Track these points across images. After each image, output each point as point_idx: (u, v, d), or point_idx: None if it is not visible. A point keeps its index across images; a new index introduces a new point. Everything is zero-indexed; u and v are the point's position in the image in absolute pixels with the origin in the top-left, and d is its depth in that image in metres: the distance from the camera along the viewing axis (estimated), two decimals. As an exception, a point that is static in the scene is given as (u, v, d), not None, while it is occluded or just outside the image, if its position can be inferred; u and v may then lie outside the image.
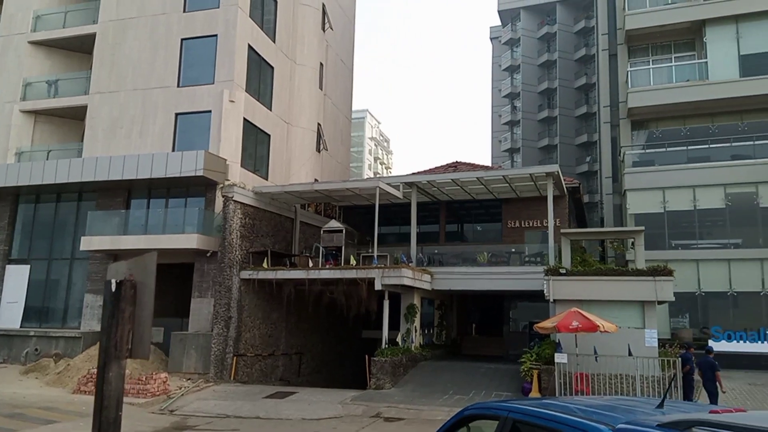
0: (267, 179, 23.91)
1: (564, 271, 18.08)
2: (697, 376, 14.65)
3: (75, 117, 25.48)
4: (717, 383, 13.65)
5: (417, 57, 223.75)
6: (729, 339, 20.22)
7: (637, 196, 24.62)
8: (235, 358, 19.96)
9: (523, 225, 25.22)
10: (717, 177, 23.43)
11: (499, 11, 55.41)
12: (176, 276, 22.61)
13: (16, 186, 23.00)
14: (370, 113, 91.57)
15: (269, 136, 24.37)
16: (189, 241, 20.32)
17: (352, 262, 20.63)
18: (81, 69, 26.08)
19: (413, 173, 26.09)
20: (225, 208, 20.67)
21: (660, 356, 15.86)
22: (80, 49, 26.12)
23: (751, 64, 24.45)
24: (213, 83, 22.10)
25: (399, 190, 22.86)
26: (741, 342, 20.23)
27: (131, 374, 17.01)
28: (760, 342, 20.34)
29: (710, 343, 20.40)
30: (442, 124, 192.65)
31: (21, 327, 22.72)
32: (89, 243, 21.39)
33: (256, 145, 23.68)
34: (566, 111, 51.00)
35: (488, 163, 54.54)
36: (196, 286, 21.11)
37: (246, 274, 20.78)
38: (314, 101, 27.15)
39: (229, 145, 21.62)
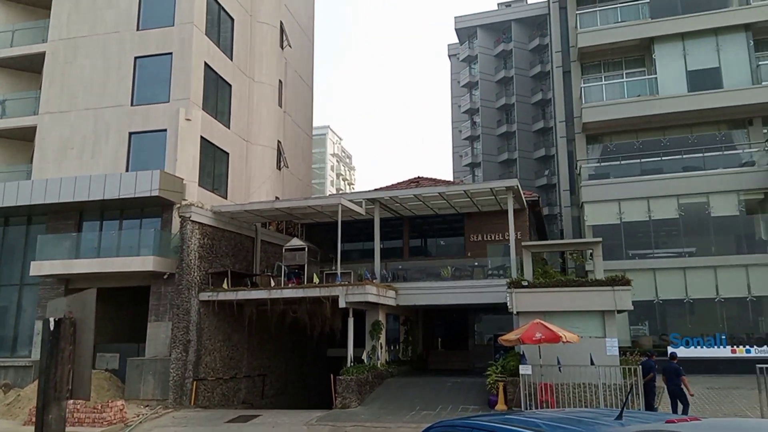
0: (226, 198, 23.50)
1: (526, 284, 18.24)
2: (660, 383, 14.89)
3: (24, 138, 24.62)
4: (684, 388, 13.86)
5: (377, 74, 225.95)
6: (687, 345, 20.72)
7: (594, 208, 25.16)
8: (195, 382, 19.35)
9: (485, 238, 25.43)
10: (670, 188, 24.16)
11: (456, 29, 56.43)
12: (132, 300, 21.93)
13: (-40, 210, 21.98)
14: (331, 129, 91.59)
15: (228, 154, 24.02)
16: (145, 263, 19.73)
17: (316, 280, 20.37)
18: (30, 89, 25.27)
19: (376, 189, 26.07)
20: (182, 229, 20.16)
21: (621, 364, 16.09)
22: (29, 68, 25.34)
23: (698, 80, 25.44)
24: (168, 101, 21.69)
25: (362, 207, 22.77)
26: (699, 348, 20.76)
27: (86, 402, 16.29)
28: (716, 347, 20.91)
29: (670, 349, 20.91)
30: (404, 140, 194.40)
31: (-34, 358, 21.55)
32: (39, 268, 20.54)
33: (214, 163, 23.28)
34: (524, 126, 52.08)
35: (450, 177, 55.11)
36: (153, 309, 20.47)
37: (205, 296, 20.26)
38: (274, 118, 26.93)
39: (185, 164, 21.18)
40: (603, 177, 26.08)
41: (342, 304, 19.00)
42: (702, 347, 20.83)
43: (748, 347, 20.73)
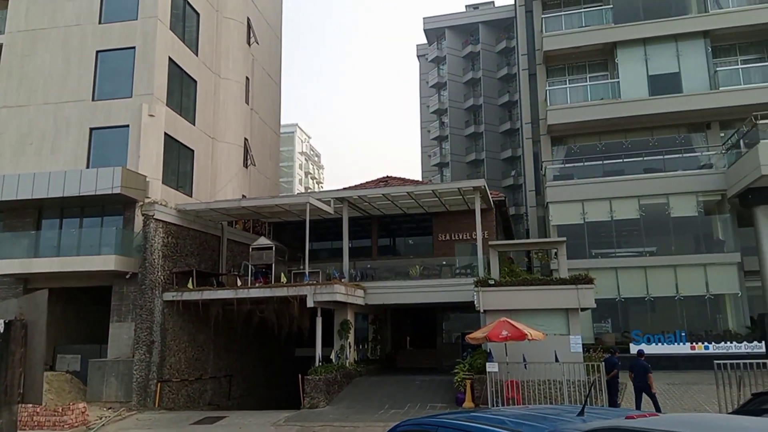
0: (191, 196, 23.11)
1: (493, 282, 18.46)
2: (625, 379, 15.22)
3: (-22, 133, 23.70)
4: (649, 385, 14.16)
5: (347, 73, 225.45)
6: (648, 342, 21.26)
7: (559, 208, 25.62)
8: (159, 384, 18.99)
9: (453, 238, 25.64)
10: (631, 189, 24.76)
11: (425, 30, 56.70)
12: (93, 300, 21.41)
13: None
14: (299, 128, 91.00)
15: (193, 151, 23.62)
16: (106, 262, 19.26)
17: (283, 279, 20.21)
18: (-15, 81, 24.35)
19: (344, 188, 26.00)
20: (145, 227, 19.75)
21: (585, 361, 16.42)
22: (-16, 60, 24.40)
23: (659, 84, 26.14)
24: (131, 97, 21.22)
25: (330, 206, 22.69)
26: (659, 344, 21.32)
27: (46, 405, 15.87)
28: (676, 344, 21.51)
29: (637, 346, 21.43)
30: (374, 139, 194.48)
31: None
32: (-5, 267, 19.83)
33: (179, 160, 22.87)
34: (491, 127, 52.70)
35: (419, 177, 55.37)
36: (115, 310, 20.00)
37: (169, 296, 19.90)
38: (241, 116, 26.61)
39: (149, 161, 20.75)
40: (567, 178, 26.57)
41: (310, 304, 18.90)
42: (662, 344, 21.40)
43: (706, 344, 21.36)
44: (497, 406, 15.32)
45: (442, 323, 28.40)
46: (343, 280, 20.68)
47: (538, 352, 16.29)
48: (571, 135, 27.69)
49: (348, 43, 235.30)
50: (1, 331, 3.36)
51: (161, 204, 20.34)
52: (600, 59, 28.20)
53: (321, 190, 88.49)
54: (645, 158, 26.11)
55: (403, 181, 27.42)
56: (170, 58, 22.38)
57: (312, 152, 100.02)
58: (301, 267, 20.76)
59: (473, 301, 18.51)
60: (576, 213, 25.23)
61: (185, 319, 20.59)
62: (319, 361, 19.17)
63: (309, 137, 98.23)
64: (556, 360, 15.94)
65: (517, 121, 45.44)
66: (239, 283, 20.41)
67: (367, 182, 28.63)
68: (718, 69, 25.84)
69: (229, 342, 22.94)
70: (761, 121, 21.54)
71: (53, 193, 19.67)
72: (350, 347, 20.95)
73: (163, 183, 21.25)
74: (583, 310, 18.23)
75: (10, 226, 21.11)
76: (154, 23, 21.65)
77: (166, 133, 21.66)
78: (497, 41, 53.54)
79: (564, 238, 20.39)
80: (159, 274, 19.89)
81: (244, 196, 25.58)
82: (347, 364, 20.32)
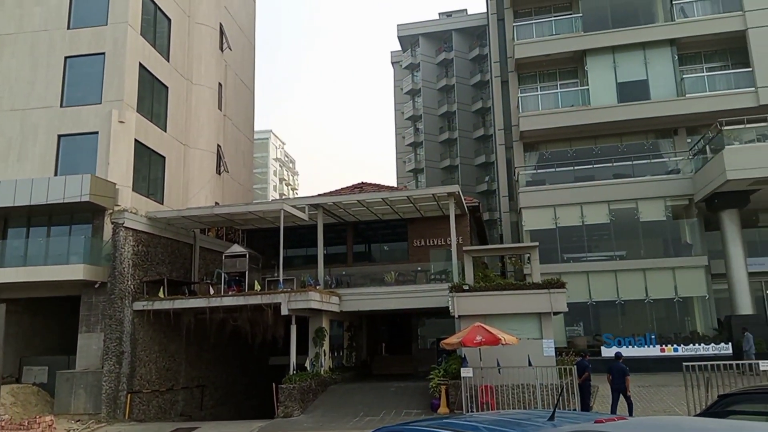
0: (162, 204, 22.78)
1: (467, 288, 18.56)
2: (596, 382, 15.42)
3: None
4: (626, 387, 14.39)
5: (321, 79, 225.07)
6: (619, 345, 21.57)
7: (531, 214, 25.93)
8: (129, 395, 18.61)
9: (428, 243, 25.73)
10: (601, 194, 25.20)
11: (399, 37, 56.99)
12: (61, 310, 20.93)
13: None
14: (273, 134, 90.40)
15: (164, 158, 23.30)
16: (74, 272, 18.84)
17: (257, 287, 20.01)
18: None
19: (319, 195, 25.92)
20: (115, 236, 19.38)
21: (558, 365, 16.60)
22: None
23: (627, 91, 26.70)
24: (101, 103, 20.88)
25: (305, 212, 22.58)
26: (630, 347, 21.66)
27: (12, 419, 15.44)
28: (646, 346, 21.89)
29: (603, 349, 21.75)
30: (349, 146, 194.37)
31: None
32: (-41, 277, 19.23)
33: (149, 168, 22.53)
34: (465, 133, 53.14)
35: (394, 183, 55.50)
36: (84, 320, 19.56)
37: (140, 305, 19.54)
38: (213, 122, 26.35)
39: (118, 168, 20.40)
40: (539, 183, 26.93)
41: (284, 311, 18.75)
42: (633, 347, 21.75)
43: (675, 346, 21.78)
44: (472, 411, 15.38)
45: (418, 329, 28.43)
46: (317, 287, 20.57)
47: (511, 356, 16.42)
48: (542, 141, 28.09)
49: (322, 49, 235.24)
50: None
51: (131, 212, 20.01)
52: (570, 67, 28.70)
53: (296, 196, 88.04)
54: (614, 164, 26.64)
55: (378, 188, 27.46)
56: (141, 64, 22.08)
57: (286, 158, 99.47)
58: (276, 274, 20.60)
59: (448, 307, 18.59)
60: (548, 218, 25.56)
61: (156, 328, 20.23)
62: (294, 370, 19.01)
63: (283, 143, 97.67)
64: (530, 364, 16.08)
65: (490, 127, 45.94)
66: (212, 291, 20.16)
67: (342, 188, 28.60)
68: (684, 76, 26.52)
69: (202, 351, 22.61)
70: (726, 128, 22.14)
71: (20, 201, 19.21)
72: (325, 355, 20.83)
73: (133, 190, 20.92)
74: (555, 314, 18.44)
75: (-26, 235, 20.51)
76: (124, 29, 21.35)
77: (136, 140, 21.34)
78: (470, 48, 54.09)
79: (536, 243, 20.63)
80: (129, 283, 19.53)
81: (217, 203, 25.31)
82: (322, 372, 20.19)
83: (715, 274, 23.81)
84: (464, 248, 20.89)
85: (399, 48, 59.69)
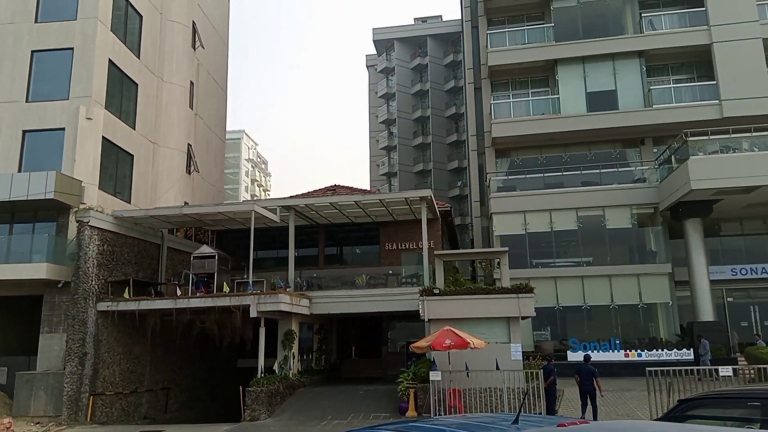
0: (130, 203, 22.36)
1: (437, 291, 18.66)
2: (563, 386, 15.65)
3: None
4: (597, 388, 14.67)
5: (296, 80, 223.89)
6: (585, 349, 21.96)
7: (502, 219, 26.24)
8: (91, 397, 18.20)
9: (400, 247, 25.78)
10: (570, 201, 25.66)
11: (374, 41, 57.12)
12: (22, 309, 20.34)
13: None
14: (246, 134, 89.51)
15: (132, 156, 22.88)
16: (37, 270, 18.36)
17: (226, 289, 19.77)
18: None
19: (291, 196, 25.76)
20: (80, 235, 18.94)
21: (525, 368, 16.79)
22: None
23: (596, 101, 27.26)
24: (68, 99, 20.42)
25: (276, 214, 22.41)
26: (595, 351, 22.06)
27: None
28: (611, 351, 22.33)
29: (569, 353, 22.09)
30: (323, 148, 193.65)
31: None
32: None
33: (117, 166, 22.10)
34: (439, 138, 53.52)
35: (367, 186, 55.50)
36: (46, 320, 19.06)
37: (104, 306, 19.13)
38: (184, 120, 25.98)
39: (85, 165, 19.96)
40: (510, 189, 27.28)
41: (253, 314, 18.57)
42: (598, 351, 22.15)
43: (639, 351, 22.27)
44: (440, 414, 15.44)
45: (388, 332, 28.44)
46: (288, 290, 20.43)
47: (480, 360, 16.56)
48: (514, 148, 28.47)
49: (297, 51, 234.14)
50: None
51: (97, 210, 19.58)
52: (542, 75, 29.17)
53: (267, 198, 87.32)
54: (583, 172, 27.14)
55: (351, 190, 27.42)
56: (110, 60, 21.67)
57: (259, 159, 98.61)
58: (245, 276, 20.39)
59: (418, 310, 18.65)
60: (518, 224, 25.90)
61: (121, 330, 19.83)
62: (262, 372, 18.83)
63: (256, 144, 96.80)
64: (497, 368, 16.24)
65: (463, 133, 46.33)
66: (179, 292, 19.84)
67: (314, 191, 28.48)
68: (651, 87, 27.19)
69: (167, 353, 22.23)
70: (691, 139, 22.76)
71: (-20, 197, 18.62)
72: (294, 358, 20.68)
73: (99, 188, 20.50)
74: (523, 318, 18.66)
75: (-69, 231, 19.81)
76: (94, 24, 20.93)
77: (104, 137, 20.92)
78: (445, 54, 54.52)
79: (506, 248, 20.88)
80: (93, 283, 19.10)
81: (186, 203, 24.95)
82: (291, 375, 20.04)
83: (679, 281, 24.44)
84: (435, 252, 21.00)
85: (374, 52, 59.82)
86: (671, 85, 27.54)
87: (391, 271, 24.15)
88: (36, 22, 21.39)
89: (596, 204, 25.58)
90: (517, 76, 29.38)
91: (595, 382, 14.65)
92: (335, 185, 28.72)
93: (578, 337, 23.43)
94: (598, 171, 26.95)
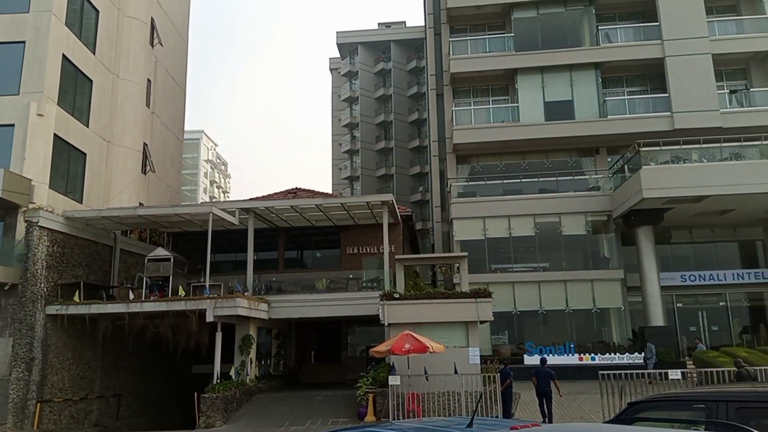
0: (82, 203, 21.63)
1: (398, 296, 18.70)
2: (519, 389, 15.88)
3: None
4: (556, 388, 15.01)
5: (258, 82, 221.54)
6: (540, 353, 22.34)
7: (462, 225, 26.54)
8: (39, 404, 17.51)
9: (361, 251, 25.75)
10: (528, 208, 26.16)
11: (338, 44, 57.03)
12: (-37, 314, 19.34)
13: None
14: (205, 134, 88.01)
15: (85, 155, 22.16)
16: (-19, 272, 17.52)
17: (181, 292, 19.34)
18: None
19: (251, 199, 25.44)
20: (28, 235, 18.22)
21: (483, 372, 16.98)
22: None
23: (554, 110, 27.90)
24: (18, 94, 19.63)
25: (235, 216, 22.06)
26: (551, 355, 22.48)
27: None
28: (566, 355, 22.80)
29: (525, 357, 22.46)
30: (285, 150, 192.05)
31: None
32: None
33: (69, 164, 21.36)
34: (401, 143, 53.80)
35: (329, 190, 55.29)
36: (-10, 324, 18.20)
37: (53, 310, 18.45)
38: (140, 119, 25.33)
39: (35, 163, 19.22)
40: (470, 195, 27.63)
41: (210, 318, 18.21)
42: (554, 355, 22.59)
43: (593, 355, 22.82)
44: (398, 419, 15.45)
45: (348, 337, 28.33)
46: (246, 294, 20.12)
47: (439, 364, 16.65)
48: (474, 154, 28.86)
49: (260, 52, 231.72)
50: None
51: (47, 210, 18.89)
52: (502, 84, 29.68)
53: (227, 200, 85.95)
54: (540, 179, 27.74)
55: (313, 194, 27.26)
56: (64, 56, 20.97)
57: (218, 160, 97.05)
58: (202, 280, 19.99)
59: (379, 315, 18.64)
60: (478, 229, 26.24)
61: (71, 334, 19.15)
62: (218, 378, 18.47)
63: (216, 145, 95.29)
64: (456, 372, 16.36)
65: (425, 138, 46.69)
66: (132, 296, 19.30)
67: (275, 193, 28.18)
68: (607, 98, 28.01)
69: (120, 359, 21.58)
70: (644, 149, 23.51)
71: None
72: (251, 363, 20.37)
73: (50, 188, 19.76)
74: (482, 322, 18.89)
75: None
76: (47, 18, 20.21)
77: (56, 135, 20.19)
78: (408, 60, 54.89)
79: (466, 253, 21.10)
80: (42, 285, 18.40)
81: (141, 203, 24.30)
82: (248, 381, 19.72)
83: (631, 286, 25.17)
84: (396, 257, 21.06)
85: (338, 55, 59.73)
86: (625, 97, 28.42)
87: (351, 276, 24.10)
88: (-16, 13, 20.50)
89: (553, 211, 26.14)
90: (479, 83, 29.83)
91: (553, 385, 14.96)
92: (296, 188, 28.51)
93: (535, 341, 23.85)
94: (554, 179, 27.57)
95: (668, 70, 27.01)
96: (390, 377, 16.33)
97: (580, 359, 22.80)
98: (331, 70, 63.69)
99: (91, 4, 22.98)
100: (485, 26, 30.56)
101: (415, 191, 52.09)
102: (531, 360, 21.52)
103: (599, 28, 28.52)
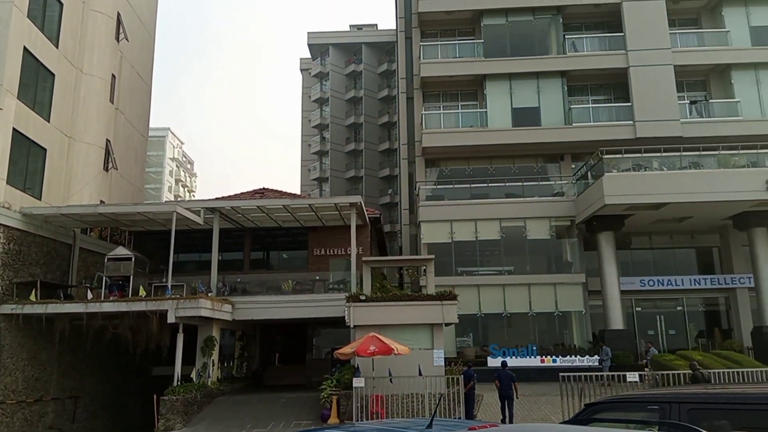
0: (41, 199, 21.00)
1: (364, 298, 18.69)
2: (482, 391, 16.06)
3: None
4: (514, 391, 15.34)
5: (226, 81, 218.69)
6: (504, 355, 22.66)
7: (430, 227, 26.70)
8: (-11, 408, 16.85)
9: (328, 253, 25.67)
10: (494, 212, 26.48)
11: (309, 44, 56.79)
12: None
13: None
14: (171, 132, 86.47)
15: (45, 150, 21.52)
16: (-69, 270, 16.83)
17: (142, 293, 18.96)
18: None
19: (217, 198, 25.08)
20: (-18, 232, 17.58)
21: (446, 374, 17.10)
22: None
23: (521, 116, 28.34)
24: (-25, 86, 18.91)
25: (200, 216, 21.74)
26: (514, 357, 22.81)
27: None
28: (529, 357, 23.15)
29: (489, 359, 22.72)
30: (253, 150, 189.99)
31: None
32: None
33: (28, 160, 20.71)
34: (371, 145, 53.84)
35: (297, 191, 54.93)
36: (-60, 324, 17.51)
37: (8, 309, 17.88)
38: (103, 115, 24.74)
39: (-8, 158, 18.56)
40: (438, 199, 27.83)
41: (171, 319, 17.90)
42: (517, 357, 22.92)
43: (554, 357, 23.22)
44: (361, 420, 15.44)
45: (313, 339, 28.17)
46: (209, 295, 19.84)
47: (403, 366, 16.70)
48: (443, 158, 29.09)
49: (229, 51, 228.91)
50: None
51: (4, 206, 18.29)
52: (471, 89, 30.01)
53: (192, 198, 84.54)
54: (507, 184, 28.14)
55: (280, 194, 27.05)
56: (26, 48, 20.33)
57: (184, 159, 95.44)
58: (164, 280, 19.62)
59: (345, 317, 18.60)
60: (445, 232, 26.44)
61: (26, 334, 18.57)
62: (179, 381, 18.15)
63: (182, 143, 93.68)
64: (420, 374, 16.44)
65: (395, 141, 46.85)
66: (91, 296, 18.82)
67: (242, 193, 27.87)
68: (572, 106, 28.59)
69: (77, 360, 21.01)
70: (606, 156, 24.06)
71: None
72: (214, 365, 20.08)
73: (7, 183, 19.12)
74: (447, 325, 19.02)
75: None
76: (9, 9, 19.57)
77: (15, 129, 19.56)
78: (379, 63, 55.01)
79: (432, 256, 21.23)
80: (-4, 284, 17.77)
81: (102, 201, 23.73)
82: (209, 383, 19.43)
83: (592, 290, 25.71)
84: (364, 259, 21.04)
85: (309, 56, 59.46)
86: (590, 105, 29.05)
87: (318, 277, 23.99)
88: (-60, 2, 19.72)
89: (518, 215, 26.52)
90: (448, 88, 30.09)
91: (513, 386, 15.23)
92: (264, 188, 28.25)
93: (498, 343, 24.14)
94: (520, 184, 27.99)
95: (632, 79, 27.71)
96: (354, 379, 16.30)
97: (542, 361, 23.17)
98: (301, 70, 63.36)
99: (54, -5, 22.36)
100: (455, 32, 30.86)
101: (384, 193, 52.20)
102: (495, 362, 21.76)
103: (566, 37, 29.11)
